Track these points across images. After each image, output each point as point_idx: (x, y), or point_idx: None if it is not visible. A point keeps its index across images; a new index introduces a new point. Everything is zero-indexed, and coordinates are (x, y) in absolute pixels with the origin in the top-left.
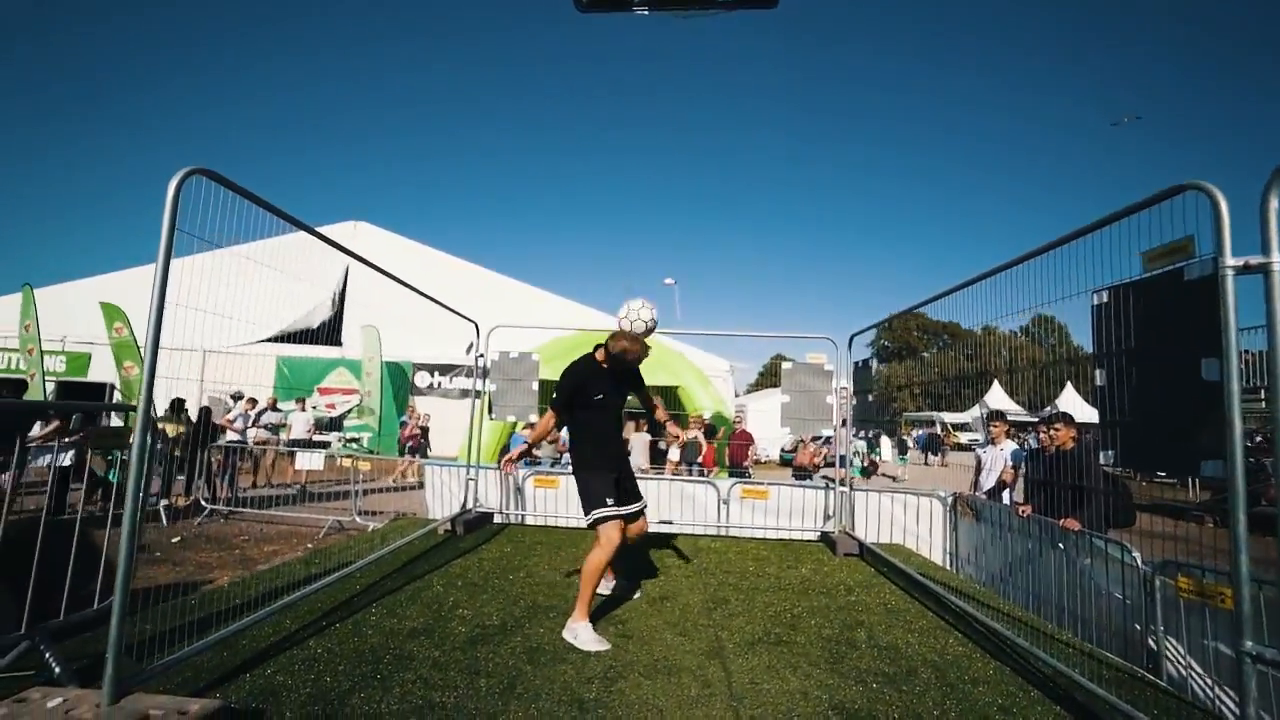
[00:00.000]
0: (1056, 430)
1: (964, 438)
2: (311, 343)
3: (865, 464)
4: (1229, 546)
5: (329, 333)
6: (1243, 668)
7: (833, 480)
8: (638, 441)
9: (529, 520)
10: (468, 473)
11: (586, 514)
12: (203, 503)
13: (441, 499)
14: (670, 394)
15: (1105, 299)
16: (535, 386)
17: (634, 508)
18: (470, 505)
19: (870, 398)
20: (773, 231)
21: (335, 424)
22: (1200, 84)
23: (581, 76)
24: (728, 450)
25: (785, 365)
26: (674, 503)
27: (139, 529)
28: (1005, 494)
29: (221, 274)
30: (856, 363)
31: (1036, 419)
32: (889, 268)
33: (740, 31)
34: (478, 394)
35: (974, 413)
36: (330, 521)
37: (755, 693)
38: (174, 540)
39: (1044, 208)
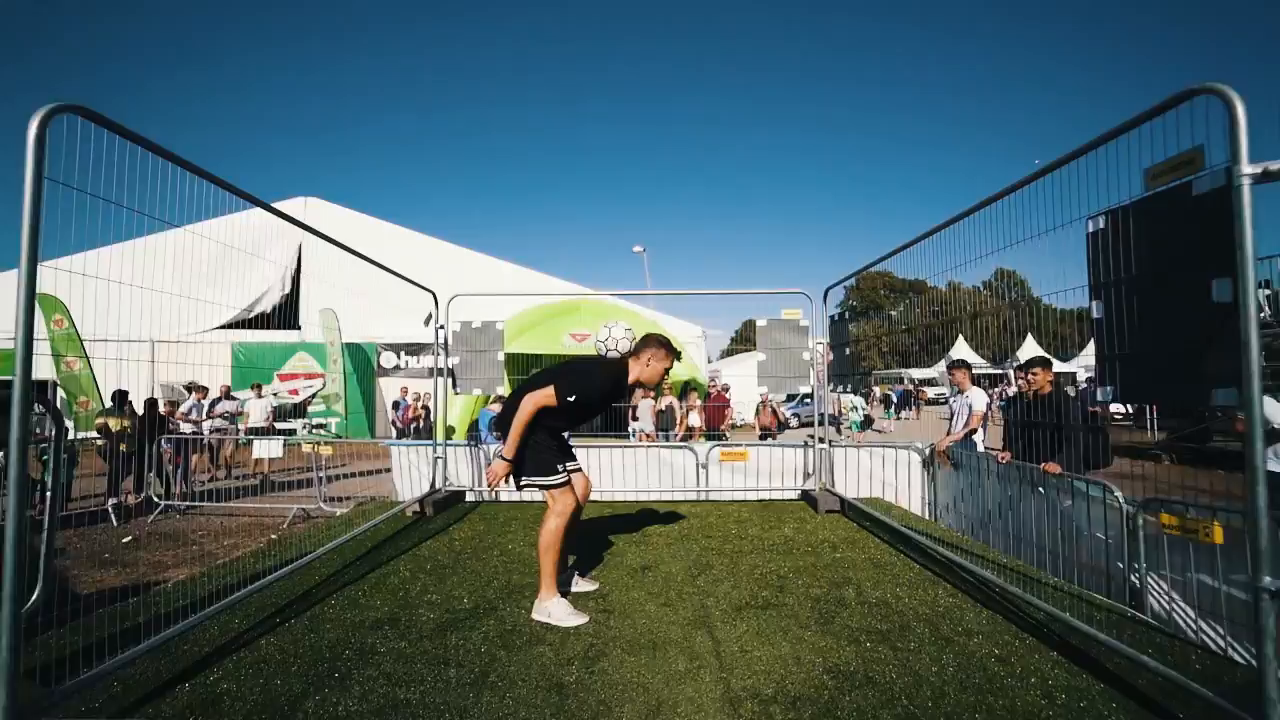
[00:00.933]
0: (1035, 374)
1: (931, 393)
2: (266, 327)
3: (862, 419)
4: (1245, 478)
5: (285, 315)
6: (1259, 605)
7: (814, 438)
8: (645, 407)
9: (503, 497)
10: (435, 451)
11: (530, 476)
12: (155, 499)
13: (410, 480)
14: None
15: (1102, 225)
16: (500, 358)
17: (575, 465)
18: (439, 484)
19: (847, 351)
20: (744, 196)
21: (299, 410)
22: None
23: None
24: (703, 415)
25: (760, 322)
26: (652, 470)
27: (27, 533)
28: (980, 442)
29: (167, 253)
30: (832, 316)
31: (1000, 371)
32: (868, 226)
33: None
34: (440, 371)
35: (940, 367)
36: (295, 510)
37: (745, 661)
38: (125, 540)
39: (1032, 147)
